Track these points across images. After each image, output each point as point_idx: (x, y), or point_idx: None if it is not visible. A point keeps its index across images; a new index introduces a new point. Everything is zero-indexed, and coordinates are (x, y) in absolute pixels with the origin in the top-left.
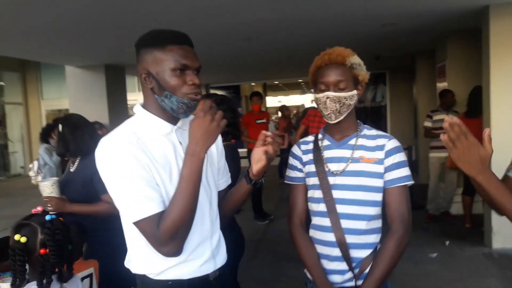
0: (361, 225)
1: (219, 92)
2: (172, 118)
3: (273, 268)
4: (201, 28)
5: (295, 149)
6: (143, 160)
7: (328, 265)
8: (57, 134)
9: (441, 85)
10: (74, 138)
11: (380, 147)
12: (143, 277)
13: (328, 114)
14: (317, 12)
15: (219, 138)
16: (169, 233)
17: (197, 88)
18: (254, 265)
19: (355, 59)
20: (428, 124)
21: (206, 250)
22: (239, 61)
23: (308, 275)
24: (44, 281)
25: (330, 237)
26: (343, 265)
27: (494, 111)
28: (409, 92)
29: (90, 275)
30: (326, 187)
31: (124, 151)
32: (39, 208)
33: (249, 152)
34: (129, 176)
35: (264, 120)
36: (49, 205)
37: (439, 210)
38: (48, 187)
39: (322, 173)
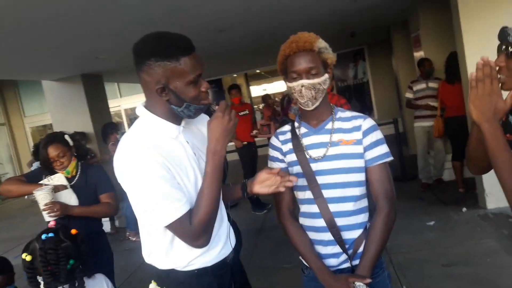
0: (349, 206)
1: None
2: (177, 118)
3: (275, 255)
4: (171, 24)
5: (273, 141)
6: (164, 163)
7: (322, 249)
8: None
9: (418, 54)
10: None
11: (357, 128)
12: (171, 271)
13: (305, 102)
14: None
15: None
16: (202, 227)
17: (207, 92)
18: (256, 254)
19: (321, 43)
20: (409, 95)
21: (222, 235)
22: (216, 54)
23: (304, 261)
24: None
25: (320, 222)
26: (336, 248)
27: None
28: (389, 65)
29: None
30: (309, 174)
31: (146, 157)
32: (52, 223)
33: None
34: (155, 181)
35: (246, 112)
36: (52, 212)
37: (431, 178)
38: (49, 194)
39: (303, 161)
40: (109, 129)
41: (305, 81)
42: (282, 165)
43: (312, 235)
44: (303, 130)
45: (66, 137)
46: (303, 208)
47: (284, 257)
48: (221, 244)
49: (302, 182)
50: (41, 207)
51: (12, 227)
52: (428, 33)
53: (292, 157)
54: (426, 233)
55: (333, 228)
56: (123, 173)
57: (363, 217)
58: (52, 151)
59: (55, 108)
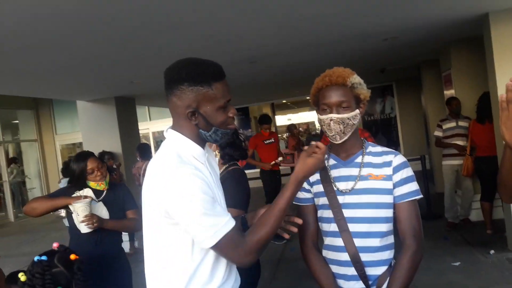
0: (375, 242)
1: None
2: (202, 143)
3: (294, 287)
4: (206, 55)
5: None
6: (204, 180)
7: (344, 284)
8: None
9: (448, 93)
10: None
11: (388, 164)
12: None
13: (333, 135)
14: (318, 33)
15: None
16: (259, 246)
17: (234, 118)
18: (274, 286)
19: (355, 79)
20: (438, 133)
21: (233, 269)
22: (246, 84)
23: None
24: None
25: (345, 256)
26: (359, 284)
27: None
28: (418, 102)
29: None
30: (336, 206)
31: (187, 172)
32: (55, 245)
33: (262, 173)
34: (200, 195)
35: (272, 140)
36: (89, 224)
37: (458, 218)
38: (88, 206)
39: (331, 193)
40: (149, 149)
41: (334, 115)
42: (308, 195)
43: (335, 268)
44: (331, 161)
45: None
46: (327, 240)
47: None
48: (233, 278)
49: (328, 214)
50: (80, 218)
51: (34, 242)
52: (459, 72)
53: (319, 188)
54: (451, 274)
55: (357, 263)
56: (162, 191)
57: (388, 254)
58: (92, 162)
59: (87, 127)
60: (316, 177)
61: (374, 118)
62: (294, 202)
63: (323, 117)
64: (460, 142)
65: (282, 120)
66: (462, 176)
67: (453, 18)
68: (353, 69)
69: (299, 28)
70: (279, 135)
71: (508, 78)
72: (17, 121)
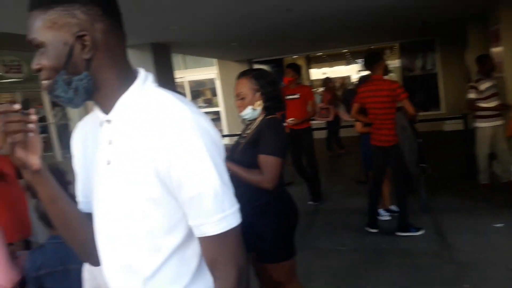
0: None
1: (262, 67)
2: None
3: (330, 237)
4: (242, 3)
5: None
6: (81, 150)
7: None
8: None
9: (496, 50)
10: None
11: None
12: None
13: None
14: None
15: (174, 146)
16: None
17: (39, 73)
18: (310, 235)
19: None
20: (472, 95)
21: (114, 276)
22: (281, 34)
23: None
24: None
25: None
26: None
27: None
28: (462, 59)
29: None
30: None
31: (72, 140)
32: None
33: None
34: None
35: (296, 96)
36: None
37: (499, 180)
38: None
39: None
40: None
41: None
42: None
43: None
44: None
45: None
46: None
47: (338, 240)
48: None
49: None
50: None
51: None
52: (508, 28)
53: None
54: (492, 235)
55: None
56: None
57: None
58: None
59: None
60: None
61: (414, 74)
62: None
63: None
64: (496, 102)
65: (317, 74)
66: (499, 138)
67: None
68: (394, 21)
69: None
70: (314, 90)
71: None
72: None
